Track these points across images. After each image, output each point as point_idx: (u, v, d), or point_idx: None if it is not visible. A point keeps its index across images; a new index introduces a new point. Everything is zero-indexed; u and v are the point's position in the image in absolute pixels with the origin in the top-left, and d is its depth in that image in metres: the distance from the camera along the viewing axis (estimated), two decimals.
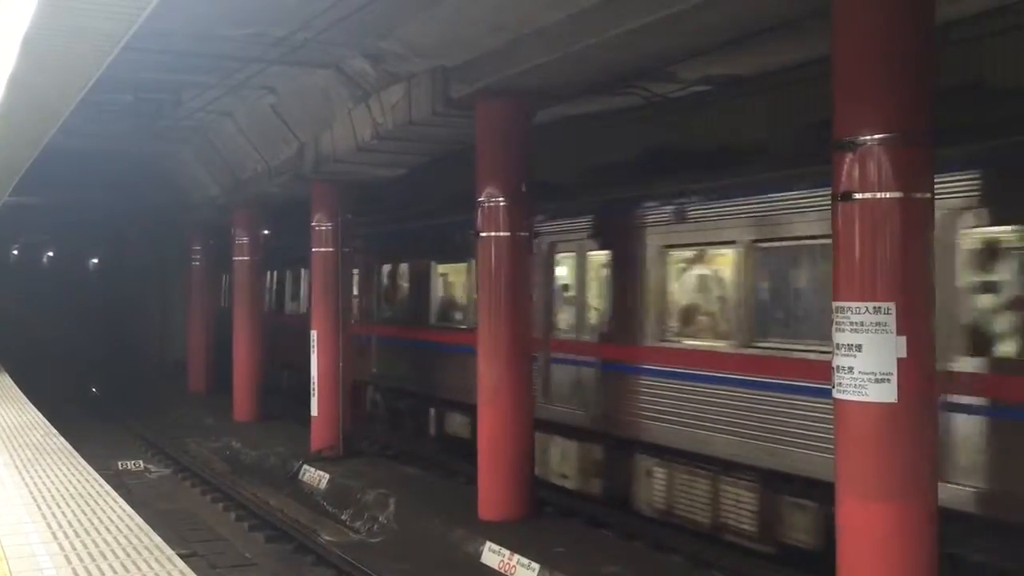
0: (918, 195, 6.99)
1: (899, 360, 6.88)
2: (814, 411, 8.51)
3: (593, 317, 11.83)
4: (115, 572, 5.84)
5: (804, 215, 8.85)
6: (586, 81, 10.57)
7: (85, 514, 7.24)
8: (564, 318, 12.29)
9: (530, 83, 10.56)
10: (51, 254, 49.74)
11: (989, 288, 7.67)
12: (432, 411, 15.35)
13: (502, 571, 9.98)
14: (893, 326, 6.89)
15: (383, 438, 17.01)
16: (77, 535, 6.64)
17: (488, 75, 10.66)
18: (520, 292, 11.37)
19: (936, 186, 7.05)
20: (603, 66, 10.00)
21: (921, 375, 6.97)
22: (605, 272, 11.54)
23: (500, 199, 11.25)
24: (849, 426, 7.11)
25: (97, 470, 9.24)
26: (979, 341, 7.63)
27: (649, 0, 8.24)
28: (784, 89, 11.10)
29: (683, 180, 10.43)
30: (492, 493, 11.39)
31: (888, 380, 6.89)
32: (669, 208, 10.47)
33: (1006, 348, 7.53)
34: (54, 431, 11.28)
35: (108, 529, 6.83)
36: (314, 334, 16.24)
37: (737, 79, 10.89)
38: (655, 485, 10.60)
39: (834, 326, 7.18)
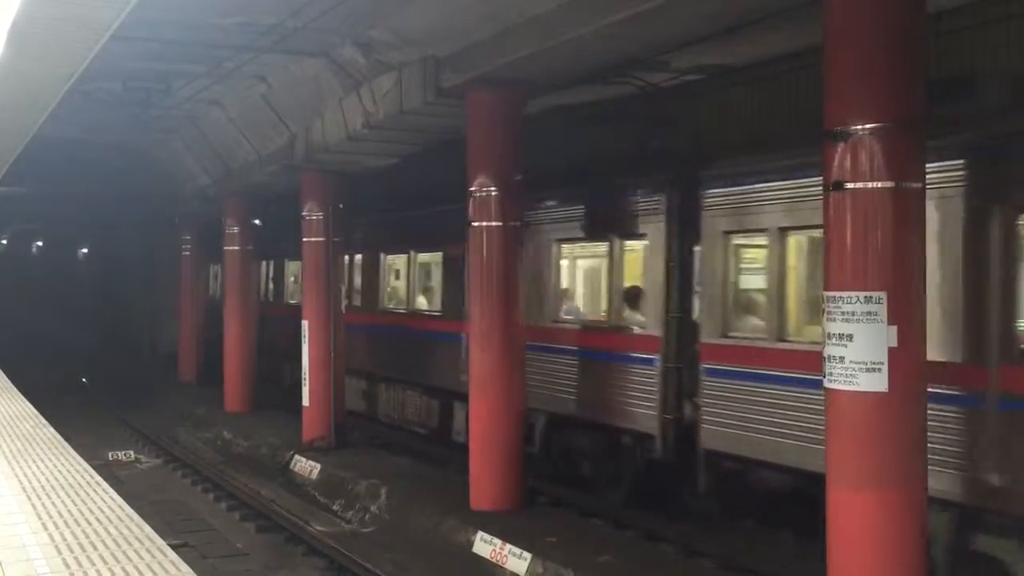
0: (909, 184, 7.00)
1: (890, 349, 6.90)
2: None
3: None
4: (105, 563, 5.82)
5: None
6: (578, 71, 10.55)
7: (75, 505, 7.21)
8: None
9: (521, 73, 10.53)
10: (40, 244, 49.54)
11: None
12: None
13: (494, 561, 9.99)
14: (884, 315, 6.90)
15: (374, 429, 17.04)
16: (67, 526, 6.62)
17: (479, 64, 10.62)
18: (512, 282, 11.36)
19: None
20: (595, 55, 9.98)
21: (912, 364, 6.99)
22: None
23: (492, 189, 11.24)
24: (839, 415, 7.12)
25: (87, 461, 9.19)
26: None
27: None
28: None
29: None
30: (484, 483, 11.40)
31: (879, 369, 6.91)
32: None
33: None
34: (44, 421, 11.23)
35: (99, 520, 6.80)
36: (305, 324, 16.21)
37: (730, 68, 10.88)
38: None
39: (825, 316, 7.19)
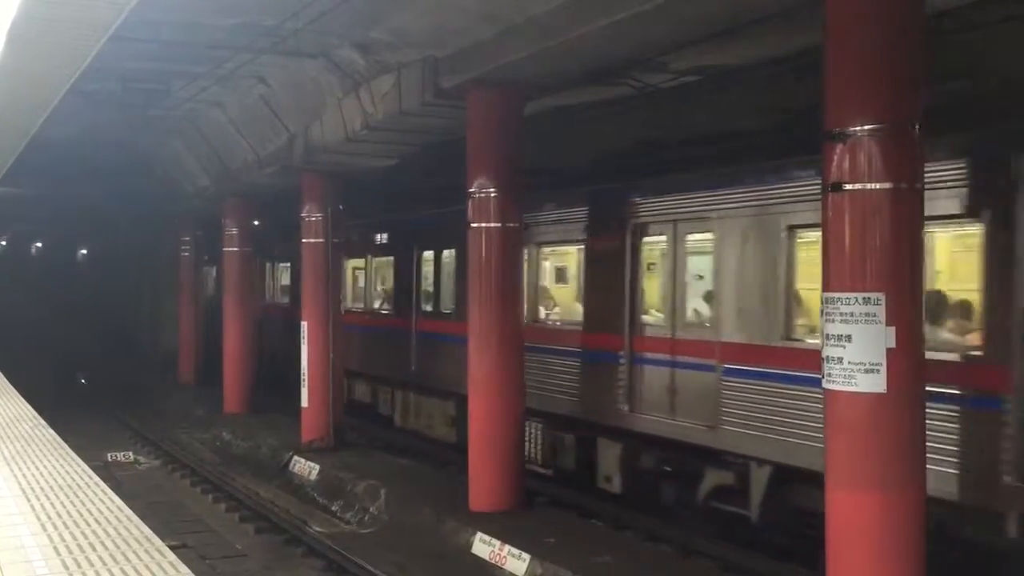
0: (908, 185, 7.01)
1: (888, 350, 6.91)
2: None
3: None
4: (104, 564, 5.82)
5: None
6: (577, 71, 10.54)
7: (74, 506, 7.21)
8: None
9: (520, 73, 10.53)
10: (39, 245, 49.53)
11: None
12: None
13: (493, 561, 9.99)
14: (882, 316, 6.91)
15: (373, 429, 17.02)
16: (66, 527, 6.61)
17: (478, 65, 10.62)
18: (511, 283, 11.36)
19: None
20: (594, 56, 9.98)
21: (910, 365, 7.00)
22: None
23: (491, 190, 11.24)
24: (838, 416, 7.13)
25: (86, 462, 9.18)
26: None
27: None
28: None
29: None
30: (483, 484, 11.40)
31: (877, 370, 6.91)
32: None
33: None
34: (43, 423, 11.22)
35: (98, 521, 6.80)
36: (304, 325, 16.21)
37: (729, 69, 10.87)
38: None
39: (824, 316, 7.20)
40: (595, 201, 11.46)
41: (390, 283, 16.91)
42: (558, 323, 12.36)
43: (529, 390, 11.69)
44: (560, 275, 12.86)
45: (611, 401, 10.85)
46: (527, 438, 11.97)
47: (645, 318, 10.78)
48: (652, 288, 10.85)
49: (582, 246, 11.82)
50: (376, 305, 17.23)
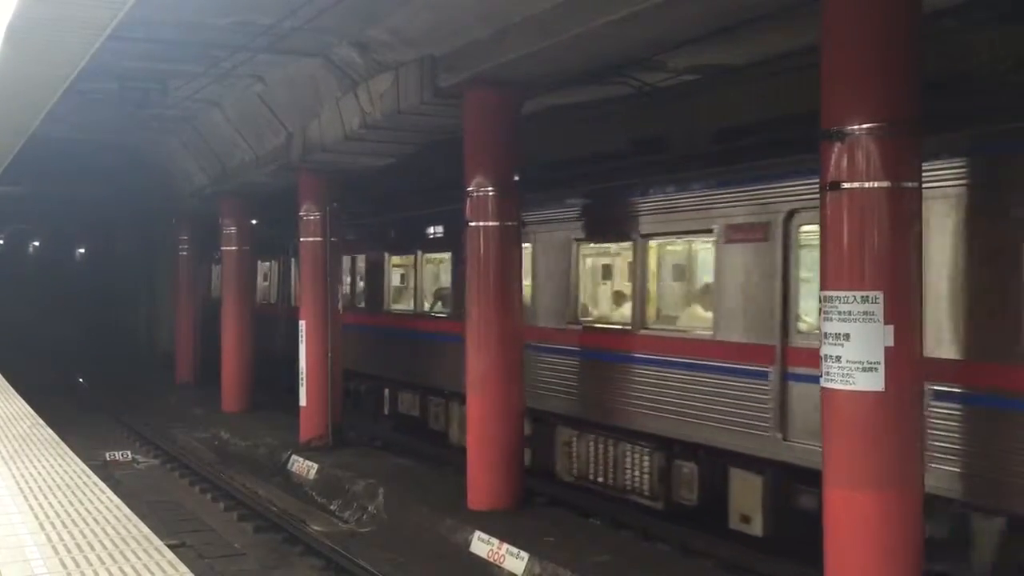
0: (906, 184, 7.02)
1: (886, 349, 6.92)
2: None
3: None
4: (103, 563, 5.81)
5: None
6: (576, 70, 10.55)
7: (72, 505, 7.21)
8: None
9: (518, 72, 10.54)
10: (36, 244, 49.50)
11: None
12: None
13: (491, 560, 10.00)
14: (881, 315, 6.92)
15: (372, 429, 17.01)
16: (64, 526, 6.61)
17: (476, 64, 10.63)
18: (509, 281, 11.37)
19: None
20: (592, 55, 9.98)
21: (908, 364, 7.01)
22: None
23: (489, 189, 11.25)
24: (836, 415, 7.14)
25: (85, 461, 9.17)
26: None
27: None
28: None
29: None
30: (481, 482, 11.40)
31: (875, 369, 6.92)
32: None
33: None
34: (41, 422, 11.21)
35: (96, 520, 6.79)
36: (302, 324, 16.22)
37: (728, 68, 10.88)
38: None
39: (822, 315, 7.21)
40: (730, 182, 9.43)
41: (446, 282, 14.63)
42: (674, 330, 10.35)
43: (632, 409, 10.33)
44: (678, 273, 10.80)
45: (753, 425, 8.99)
46: (628, 465, 10.54)
47: (801, 325, 8.80)
48: (816, 288, 8.15)
49: (710, 238, 9.66)
50: (427, 307, 15.20)
